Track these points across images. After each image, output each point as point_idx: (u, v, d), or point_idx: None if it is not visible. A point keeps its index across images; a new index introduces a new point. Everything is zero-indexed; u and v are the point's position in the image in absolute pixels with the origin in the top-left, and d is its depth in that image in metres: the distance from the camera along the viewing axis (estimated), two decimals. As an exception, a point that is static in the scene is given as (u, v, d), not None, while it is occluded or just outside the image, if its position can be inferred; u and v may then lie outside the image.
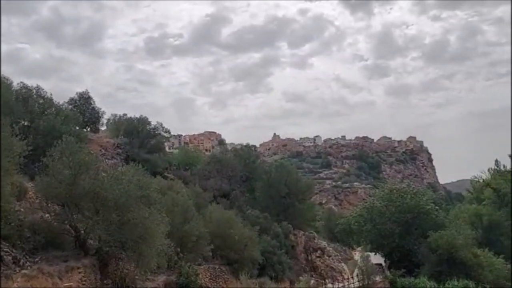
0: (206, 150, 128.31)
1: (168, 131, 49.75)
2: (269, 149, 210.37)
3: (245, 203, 48.78)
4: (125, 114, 48.06)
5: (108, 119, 47.85)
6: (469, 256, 48.45)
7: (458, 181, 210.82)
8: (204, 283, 27.78)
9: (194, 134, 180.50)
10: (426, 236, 51.21)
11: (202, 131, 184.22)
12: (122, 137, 43.86)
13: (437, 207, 59.21)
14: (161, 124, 47.66)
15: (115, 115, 48.58)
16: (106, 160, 36.72)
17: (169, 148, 70.80)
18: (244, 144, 61.24)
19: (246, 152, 56.94)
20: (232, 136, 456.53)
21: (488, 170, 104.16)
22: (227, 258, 32.97)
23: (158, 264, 21.56)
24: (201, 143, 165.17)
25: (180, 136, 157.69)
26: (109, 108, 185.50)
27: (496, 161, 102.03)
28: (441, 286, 42.30)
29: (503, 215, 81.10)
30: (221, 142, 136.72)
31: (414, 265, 51.79)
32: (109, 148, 41.38)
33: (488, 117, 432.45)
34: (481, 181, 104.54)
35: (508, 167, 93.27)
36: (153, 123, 47.09)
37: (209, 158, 57.42)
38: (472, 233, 62.26)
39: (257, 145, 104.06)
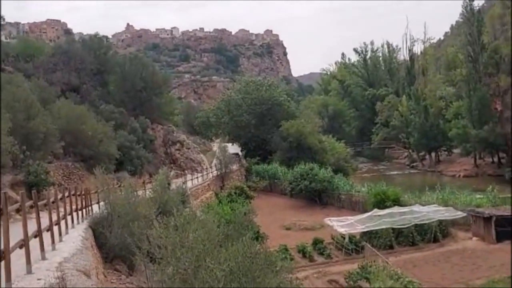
0: (50, 40, 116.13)
1: (2, 18, 43.45)
2: (122, 41, 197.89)
3: (98, 97, 46.15)
4: None
5: None
6: (315, 142, 53.63)
7: (310, 73, 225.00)
8: (57, 181, 26.51)
9: (35, 22, 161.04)
10: (279, 125, 54.92)
11: (44, 19, 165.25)
12: None
13: (289, 99, 63.07)
14: (-8, 9, 41.24)
15: None
16: None
17: (5, 38, 62.43)
18: (94, 34, 56.12)
19: (96, 43, 52.44)
20: (80, 26, 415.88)
21: (335, 63, 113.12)
22: (81, 154, 31.69)
23: (2, 163, 19.75)
24: (44, 33, 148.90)
25: (18, 24, 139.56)
26: None
27: (343, 54, 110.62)
28: (290, 170, 46.30)
29: (346, 104, 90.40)
30: (67, 32, 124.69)
31: (267, 153, 55.87)
32: None
33: (338, 12, 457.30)
34: (328, 73, 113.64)
35: (353, 60, 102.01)
36: (-19, 6, 40.45)
37: (54, 49, 51.87)
38: (319, 121, 68.80)
39: (109, 36, 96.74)
